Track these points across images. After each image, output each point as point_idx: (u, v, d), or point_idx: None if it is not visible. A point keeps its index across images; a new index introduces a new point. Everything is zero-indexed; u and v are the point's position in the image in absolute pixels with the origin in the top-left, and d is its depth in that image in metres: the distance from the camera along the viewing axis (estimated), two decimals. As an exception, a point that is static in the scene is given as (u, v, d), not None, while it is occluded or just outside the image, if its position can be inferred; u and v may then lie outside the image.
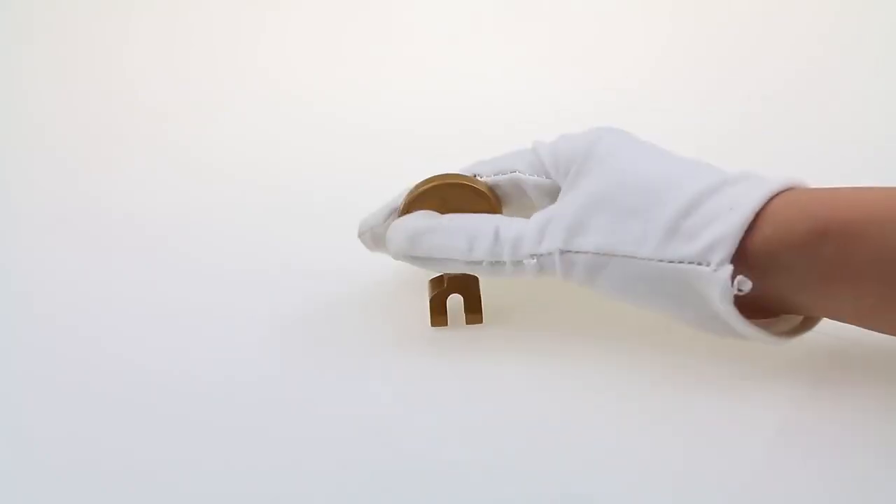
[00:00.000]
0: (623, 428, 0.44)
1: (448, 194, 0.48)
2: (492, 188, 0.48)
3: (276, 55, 0.77)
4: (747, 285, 0.40)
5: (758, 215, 0.41)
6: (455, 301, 0.49)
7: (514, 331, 0.50)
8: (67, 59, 0.78)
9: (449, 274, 0.49)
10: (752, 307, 0.42)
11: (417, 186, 0.48)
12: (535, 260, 0.45)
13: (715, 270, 0.40)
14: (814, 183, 0.43)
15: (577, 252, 0.44)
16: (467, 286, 0.49)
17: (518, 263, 0.45)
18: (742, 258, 0.41)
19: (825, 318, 0.44)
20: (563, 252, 0.44)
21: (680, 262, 0.41)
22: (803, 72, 0.71)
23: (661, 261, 0.42)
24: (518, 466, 0.42)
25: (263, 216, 0.62)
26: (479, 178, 0.48)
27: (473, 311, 0.49)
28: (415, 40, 0.78)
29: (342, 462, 0.43)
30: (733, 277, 0.40)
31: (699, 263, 0.41)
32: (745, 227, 0.41)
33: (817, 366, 0.45)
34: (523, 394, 0.46)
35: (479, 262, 0.46)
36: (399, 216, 0.48)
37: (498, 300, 0.50)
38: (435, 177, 0.48)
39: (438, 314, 0.49)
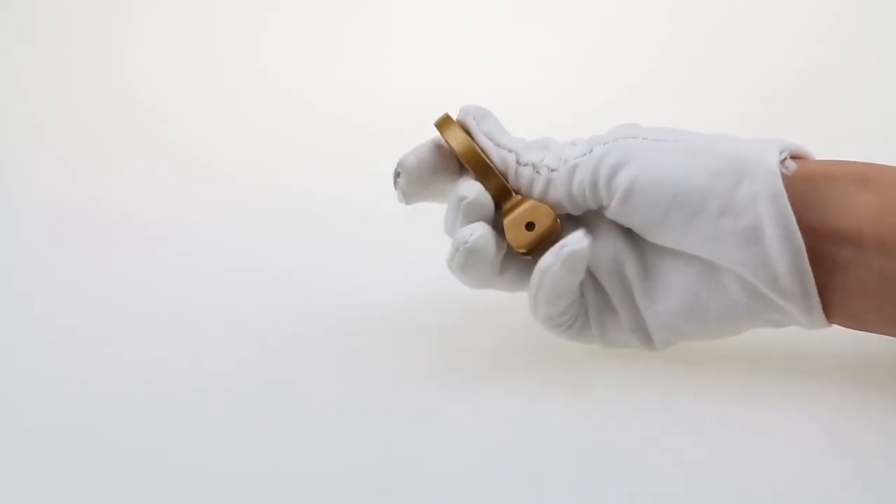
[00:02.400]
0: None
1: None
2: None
3: (276, 55, 0.77)
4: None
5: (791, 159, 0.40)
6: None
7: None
8: (67, 59, 0.78)
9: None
10: None
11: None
12: None
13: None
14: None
15: None
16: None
17: None
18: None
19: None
20: None
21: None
22: (803, 72, 0.71)
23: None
24: (519, 466, 0.42)
25: (263, 216, 0.62)
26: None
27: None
28: (415, 40, 0.78)
29: (342, 462, 0.43)
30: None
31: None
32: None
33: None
34: (525, 391, 0.46)
35: None
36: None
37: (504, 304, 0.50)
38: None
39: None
